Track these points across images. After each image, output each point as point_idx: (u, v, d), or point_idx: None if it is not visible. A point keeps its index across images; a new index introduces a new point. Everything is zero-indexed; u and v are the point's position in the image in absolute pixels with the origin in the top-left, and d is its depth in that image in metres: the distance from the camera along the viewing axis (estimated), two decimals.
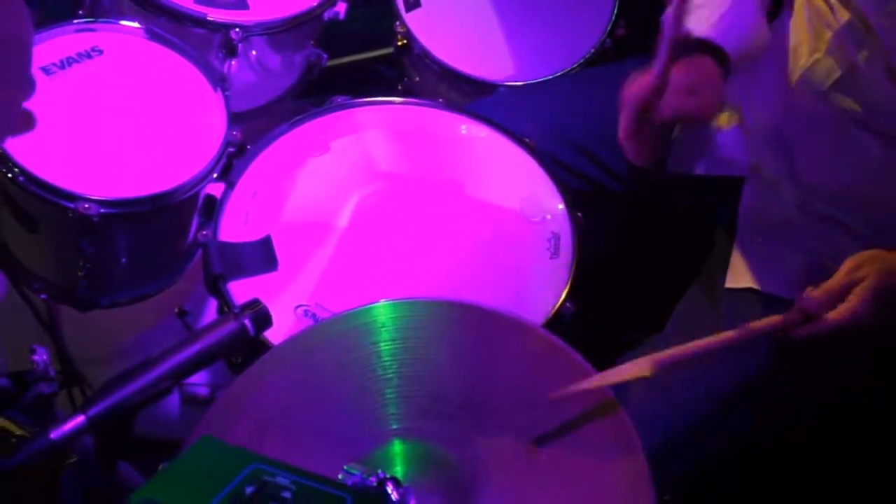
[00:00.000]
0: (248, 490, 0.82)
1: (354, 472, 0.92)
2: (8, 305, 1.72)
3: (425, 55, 1.93)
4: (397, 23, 1.95)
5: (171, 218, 1.48)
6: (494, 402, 1.06)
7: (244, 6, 1.72)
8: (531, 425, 1.03)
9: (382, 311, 1.14)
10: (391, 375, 1.09)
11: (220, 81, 1.53)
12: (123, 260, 1.50)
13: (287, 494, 0.82)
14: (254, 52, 1.79)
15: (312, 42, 1.93)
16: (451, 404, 1.06)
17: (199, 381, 1.74)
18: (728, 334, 1.15)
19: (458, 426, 1.04)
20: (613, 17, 1.97)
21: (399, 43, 1.95)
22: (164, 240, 1.54)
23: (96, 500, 1.26)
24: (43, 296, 1.55)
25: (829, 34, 1.36)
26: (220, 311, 1.41)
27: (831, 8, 1.36)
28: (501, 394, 1.06)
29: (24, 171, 1.34)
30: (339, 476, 0.91)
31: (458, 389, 1.07)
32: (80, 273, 1.46)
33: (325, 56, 1.95)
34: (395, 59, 2.04)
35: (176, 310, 1.62)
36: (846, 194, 1.40)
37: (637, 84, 1.30)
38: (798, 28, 1.42)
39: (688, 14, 1.28)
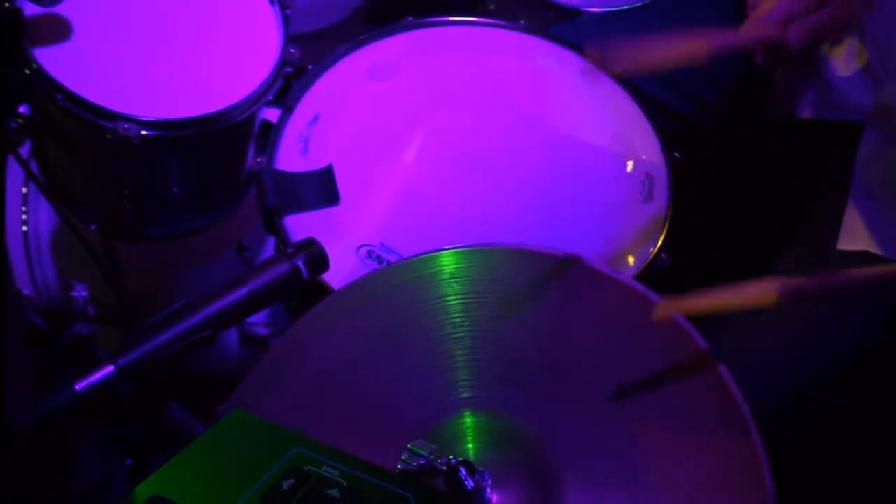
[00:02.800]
0: (286, 485, 0.68)
1: (421, 452, 0.81)
2: (65, 239, 1.66)
3: None
4: None
5: (222, 144, 1.40)
6: (583, 371, 0.94)
7: None
8: (625, 400, 0.92)
9: (452, 259, 1.03)
10: (462, 335, 0.98)
11: None
12: (172, 188, 1.41)
13: (334, 493, 0.68)
14: None
15: None
16: (532, 372, 0.95)
17: (258, 320, 1.68)
18: (863, 271, 1.00)
19: (540, 397, 0.93)
20: None
21: None
22: (216, 167, 1.45)
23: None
24: (92, 227, 1.49)
25: None
26: (278, 248, 1.33)
27: None
28: (592, 362, 0.95)
29: (60, 87, 1.25)
30: (403, 456, 0.80)
31: (540, 354, 0.96)
32: (124, 202, 1.40)
33: None
34: None
35: (235, 245, 1.56)
36: None
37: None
38: None
39: None
